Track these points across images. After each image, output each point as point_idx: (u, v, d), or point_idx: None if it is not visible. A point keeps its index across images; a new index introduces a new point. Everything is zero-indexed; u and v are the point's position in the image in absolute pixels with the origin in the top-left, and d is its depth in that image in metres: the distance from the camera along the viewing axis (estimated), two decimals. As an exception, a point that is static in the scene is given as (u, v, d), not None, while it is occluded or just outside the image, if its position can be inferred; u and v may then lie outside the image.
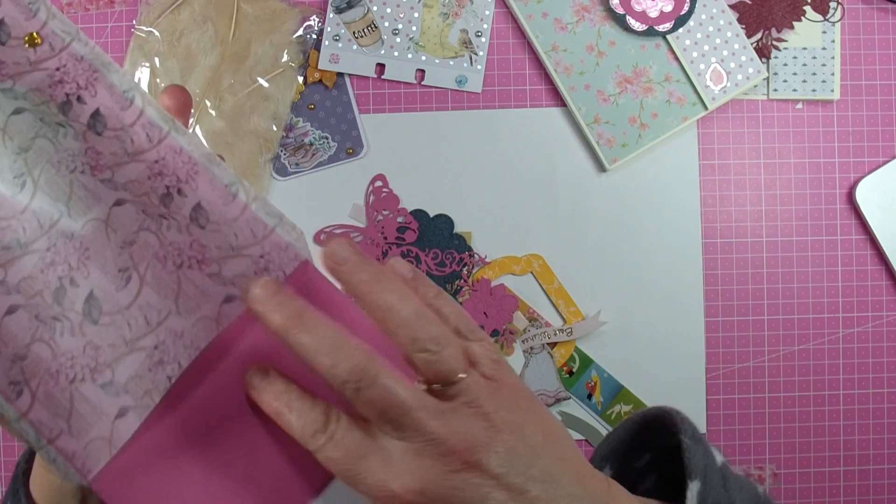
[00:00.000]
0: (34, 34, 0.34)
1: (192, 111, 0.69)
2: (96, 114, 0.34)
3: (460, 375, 0.29)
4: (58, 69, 0.34)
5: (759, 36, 0.70)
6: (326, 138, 0.71)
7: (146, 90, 0.39)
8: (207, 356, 0.33)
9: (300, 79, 0.70)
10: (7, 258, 0.32)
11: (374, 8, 0.70)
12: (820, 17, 0.70)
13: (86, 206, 0.34)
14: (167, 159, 0.34)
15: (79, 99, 0.34)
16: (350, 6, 0.69)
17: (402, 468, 0.28)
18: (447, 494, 0.28)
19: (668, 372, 0.71)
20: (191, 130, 0.67)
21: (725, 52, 0.69)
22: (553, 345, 0.71)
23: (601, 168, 0.71)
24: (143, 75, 0.69)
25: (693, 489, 0.33)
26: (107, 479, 0.31)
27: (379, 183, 0.71)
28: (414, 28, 0.70)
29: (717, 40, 0.69)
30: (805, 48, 0.70)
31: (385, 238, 0.70)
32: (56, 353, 0.31)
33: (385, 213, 0.70)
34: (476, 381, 0.30)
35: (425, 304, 0.30)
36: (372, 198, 0.71)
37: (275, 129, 0.70)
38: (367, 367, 0.28)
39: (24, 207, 0.32)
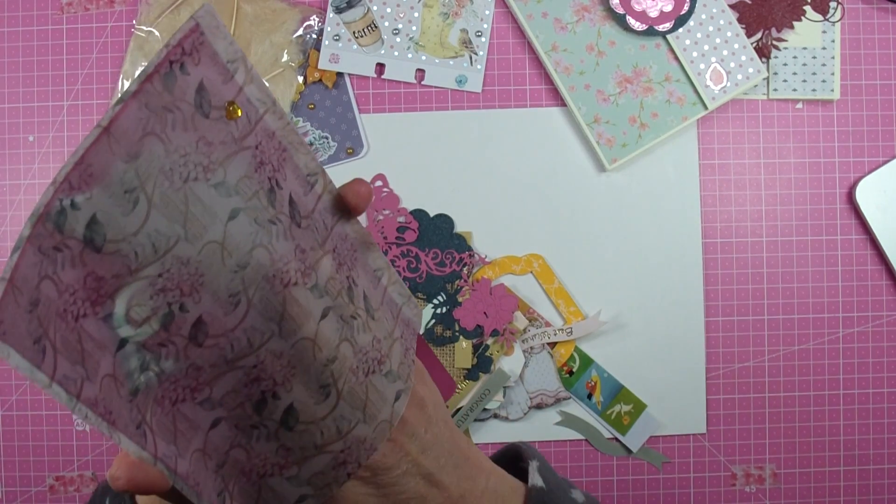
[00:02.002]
0: (234, 103, 0.30)
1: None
2: (291, 202, 0.32)
3: None
4: (257, 147, 0.30)
5: (759, 36, 0.70)
6: (326, 138, 0.71)
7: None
8: None
9: (300, 79, 0.70)
10: (217, 374, 0.30)
11: (374, 8, 0.70)
12: (820, 17, 0.70)
13: (294, 323, 0.31)
14: (340, 249, 0.34)
15: (277, 184, 0.31)
16: (350, 6, 0.69)
17: None
18: (377, 456, 0.35)
19: (668, 372, 0.71)
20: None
21: (725, 52, 0.69)
22: (553, 345, 0.71)
23: (601, 168, 0.71)
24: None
25: (533, 465, 0.41)
26: None
27: (379, 183, 0.71)
28: (414, 28, 0.70)
29: (717, 40, 0.69)
30: (805, 48, 0.70)
31: (385, 238, 0.70)
32: (250, 455, 0.32)
33: (385, 212, 0.70)
34: None
35: None
36: (372, 197, 0.70)
37: (275, 128, 0.70)
38: None
39: (235, 327, 0.30)
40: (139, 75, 0.26)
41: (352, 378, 0.33)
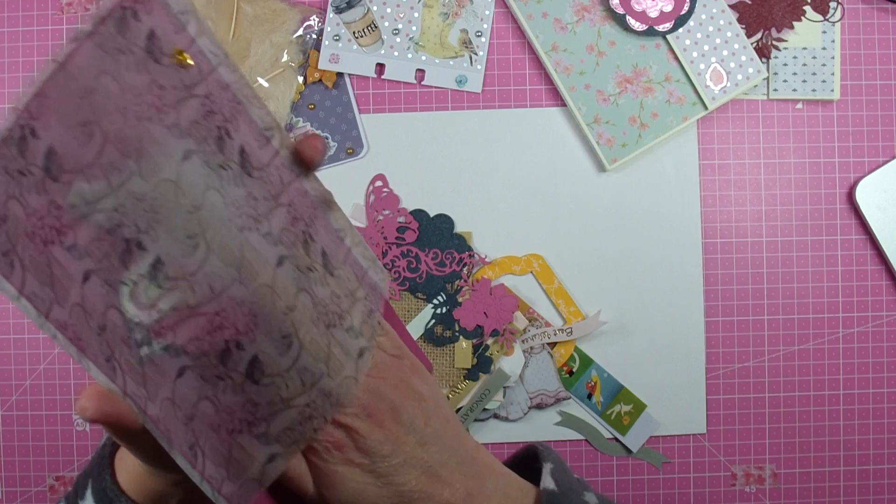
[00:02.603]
0: (182, 52, 0.31)
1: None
2: (243, 152, 0.32)
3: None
4: (207, 97, 0.31)
5: (759, 36, 0.70)
6: (326, 138, 0.71)
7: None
8: None
9: (300, 79, 0.70)
10: (180, 318, 0.30)
11: (374, 8, 0.70)
12: (820, 17, 0.70)
13: (255, 270, 0.32)
14: (296, 202, 0.35)
15: (227, 133, 0.32)
16: (350, 6, 0.69)
17: (343, 424, 0.37)
18: (372, 443, 0.37)
19: (668, 372, 0.71)
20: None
21: (725, 52, 0.69)
22: (553, 345, 0.71)
23: (601, 168, 0.71)
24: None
25: (547, 467, 0.42)
26: None
27: (379, 183, 0.71)
28: (414, 28, 0.70)
29: (717, 40, 0.69)
30: (805, 48, 0.70)
31: (385, 238, 0.70)
32: (218, 409, 0.32)
33: (385, 212, 0.70)
34: (382, 359, 0.39)
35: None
36: (372, 198, 0.71)
37: (275, 128, 0.70)
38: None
39: (195, 272, 0.30)
40: (92, 18, 0.27)
41: (312, 329, 0.34)
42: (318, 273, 0.35)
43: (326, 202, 0.37)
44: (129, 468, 0.41)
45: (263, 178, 0.33)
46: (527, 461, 0.46)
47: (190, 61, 0.31)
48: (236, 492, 0.33)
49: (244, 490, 0.34)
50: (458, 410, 0.69)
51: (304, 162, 0.36)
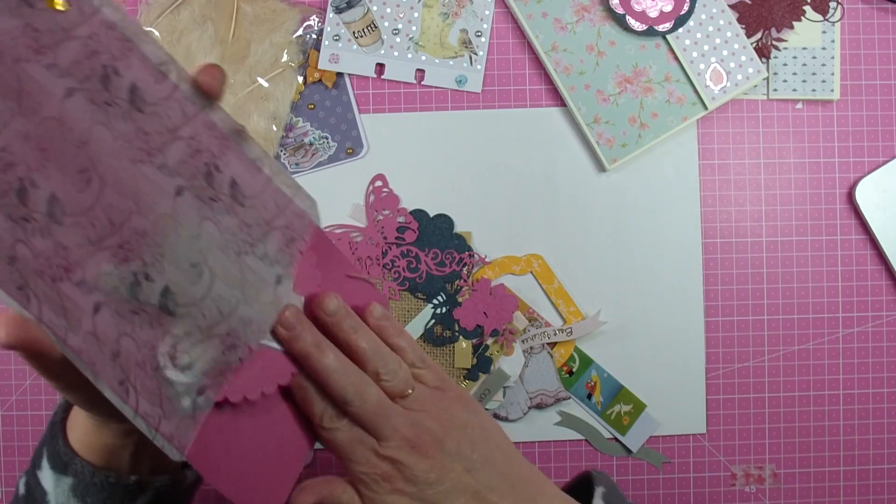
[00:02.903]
0: None
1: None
2: (134, 88, 0.33)
3: (409, 391, 0.42)
4: (90, 37, 0.32)
5: (758, 36, 0.70)
6: (326, 138, 0.71)
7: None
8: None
9: (300, 79, 0.70)
10: (84, 255, 0.31)
11: (374, 8, 0.70)
12: (820, 17, 0.70)
13: (153, 200, 0.33)
14: (201, 136, 0.35)
15: (115, 71, 0.32)
16: (350, 6, 0.69)
17: (387, 457, 0.40)
18: (416, 472, 0.40)
19: (668, 372, 0.71)
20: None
21: (725, 52, 0.69)
22: (553, 345, 0.71)
23: (601, 168, 0.71)
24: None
25: (598, 492, 0.45)
26: (194, 448, 0.35)
27: (379, 183, 0.71)
28: (414, 28, 0.70)
29: (717, 40, 0.69)
30: (805, 48, 0.70)
31: (385, 238, 0.70)
32: (139, 344, 0.33)
33: (385, 212, 0.70)
34: (423, 392, 0.43)
35: (389, 342, 0.43)
36: (372, 198, 0.71)
37: (275, 129, 0.70)
38: (365, 390, 0.40)
39: (92, 205, 0.31)
40: None
41: (222, 256, 0.35)
42: (224, 203, 0.36)
43: (237, 133, 0.37)
44: (79, 428, 0.43)
45: (159, 112, 0.34)
46: (582, 486, 0.49)
47: (60, 7, 0.31)
48: (175, 432, 0.34)
49: (182, 430, 0.34)
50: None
51: (205, 92, 0.36)
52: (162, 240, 0.33)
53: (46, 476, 0.43)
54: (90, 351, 0.30)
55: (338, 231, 0.70)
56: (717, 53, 0.69)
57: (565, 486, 0.50)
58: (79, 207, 0.30)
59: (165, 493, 0.45)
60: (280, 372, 0.39)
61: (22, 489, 0.45)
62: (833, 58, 0.70)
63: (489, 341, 0.70)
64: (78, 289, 0.30)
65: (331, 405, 0.40)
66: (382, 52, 0.70)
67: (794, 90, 0.71)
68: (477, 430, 0.42)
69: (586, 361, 0.71)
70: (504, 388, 0.70)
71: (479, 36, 0.70)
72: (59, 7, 0.31)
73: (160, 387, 0.33)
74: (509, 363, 0.70)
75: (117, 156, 0.31)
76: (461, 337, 0.70)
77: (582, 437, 0.71)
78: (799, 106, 0.72)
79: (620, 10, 0.68)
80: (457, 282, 0.70)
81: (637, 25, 0.68)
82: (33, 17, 0.30)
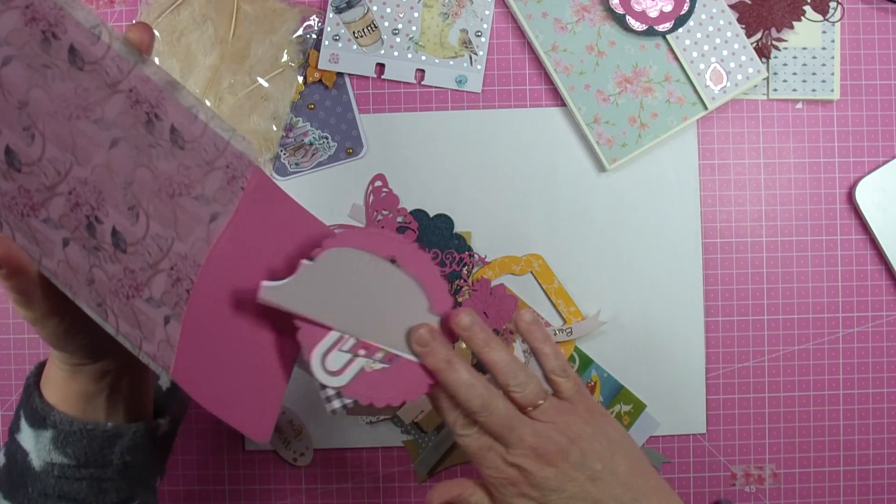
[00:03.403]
0: None
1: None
2: (72, 49, 0.36)
3: (539, 402, 0.46)
4: (27, 7, 0.34)
5: (758, 36, 0.70)
6: (326, 138, 0.71)
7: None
8: (206, 269, 0.42)
9: (300, 79, 0.70)
10: (43, 198, 0.35)
11: (374, 8, 0.70)
12: (820, 17, 0.70)
13: (88, 153, 0.36)
14: (139, 88, 0.39)
15: (54, 35, 0.35)
16: (350, 6, 0.69)
17: (513, 464, 0.45)
18: (539, 480, 0.44)
19: (668, 372, 0.71)
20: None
21: (725, 52, 0.69)
22: (553, 345, 0.71)
23: (601, 168, 0.71)
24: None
25: None
26: (177, 370, 0.39)
27: (378, 183, 0.71)
28: (414, 28, 0.70)
29: (717, 40, 0.69)
30: (805, 48, 0.70)
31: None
32: (108, 276, 0.37)
33: (385, 212, 0.70)
34: (553, 404, 0.46)
35: (533, 346, 0.49)
36: (371, 198, 0.71)
37: (275, 128, 0.70)
38: (491, 403, 0.44)
39: (40, 157, 0.34)
40: None
41: (155, 199, 0.39)
42: (164, 148, 0.40)
43: (171, 83, 0.41)
44: (52, 382, 0.45)
45: (97, 69, 0.37)
46: None
47: None
48: (157, 352, 0.38)
49: (162, 352, 0.39)
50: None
51: (137, 47, 0.39)
52: (101, 186, 0.37)
53: (26, 436, 0.44)
54: (65, 274, 0.35)
55: (338, 231, 0.70)
56: (717, 53, 0.69)
57: None
58: (29, 160, 0.34)
59: (142, 440, 0.46)
60: (418, 382, 0.46)
61: (2, 459, 0.46)
62: (833, 58, 0.70)
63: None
64: (45, 224, 0.34)
65: (463, 414, 0.45)
66: (382, 52, 0.70)
67: (794, 90, 0.71)
68: (604, 442, 0.45)
69: (586, 361, 0.71)
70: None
71: (479, 36, 0.70)
72: None
73: (134, 312, 0.38)
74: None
75: (53, 114, 0.35)
76: (461, 337, 0.70)
77: (582, 437, 0.71)
78: (799, 106, 0.72)
79: (620, 10, 0.68)
80: (457, 282, 0.70)
81: (637, 25, 0.68)
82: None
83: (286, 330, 0.44)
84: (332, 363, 0.43)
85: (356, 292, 0.44)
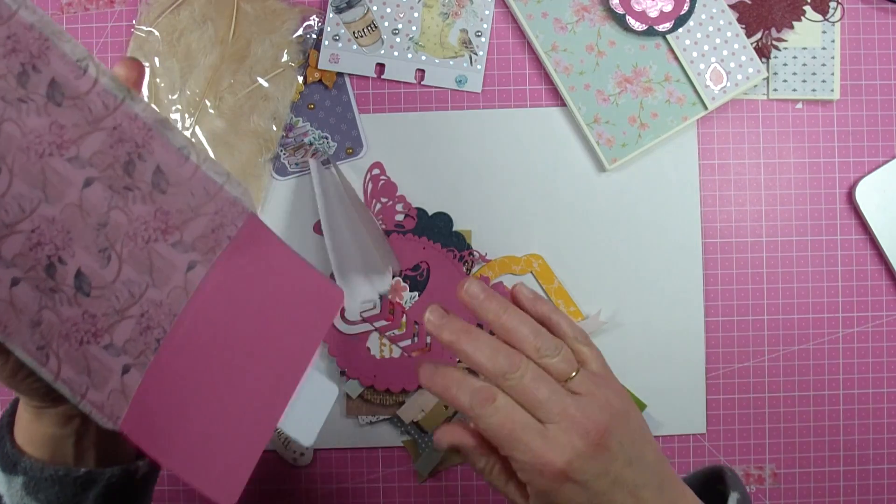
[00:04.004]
0: None
1: (194, 112, 0.69)
2: (52, 83, 0.35)
3: (573, 373, 0.40)
4: (9, 37, 0.33)
5: (758, 36, 0.70)
6: (326, 138, 0.71)
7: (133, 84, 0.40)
8: (184, 318, 0.40)
9: (300, 79, 0.70)
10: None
11: (374, 8, 0.70)
12: (820, 17, 0.70)
13: (59, 191, 0.35)
14: (124, 126, 0.38)
15: (34, 68, 0.34)
16: (350, 6, 0.69)
17: (556, 442, 0.37)
18: (586, 462, 0.37)
19: (668, 372, 0.71)
20: (189, 131, 0.68)
21: (725, 52, 0.69)
22: (553, 345, 0.71)
23: (601, 168, 0.71)
24: (143, 75, 0.69)
25: (733, 498, 0.43)
26: (130, 421, 0.37)
27: (377, 171, 0.71)
28: (414, 28, 0.70)
29: (717, 40, 0.69)
30: (805, 48, 0.70)
31: (384, 226, 0.70)
32: (62, 319, 0.36)
33: (384, 200, 0.70)
34: (587, 376, 0.40)
35: (544, 319, 0.41)
36: (370, 186, 0.70)
37: (275, 128, 0.70)
38: (522, 363, 0.38)
39: (3, 193, 0.34)
40: None
41: (130, 243, 0.37)
42: (142, 191, 0.38)
43: (161, 122, 0.39)
44: (21, 424, 0.43)
45: (78, 105, 0.36)
46: (709, 479, 0.47)
47: None
48: (106, 402, 0.37)
49: (113, 401, 0.37)
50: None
51: (126, 83, 0.38)
52: (71, 226, 0.35)
53: None
54: (4, 314, 0.34)
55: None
56: (717, 53, 0.69)
57: (689, 475, 0.49)
58: None
59: (118, 485, 0.44)
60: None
61: None
62: (833, 58, 0.70)
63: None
64: None
65: (481, 391, 0.38)
66: (382, 52, 0.70)
67: (794, 90, 0.71)
68: (635, 423, 0.41)
69: (586, 361, 0.71)
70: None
71: (479, 36, 0.70)
72: None
73: (87, 359, 0.36)
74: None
75: (25, 150, 0.34)
76: (461, 337, 0.70)
77: (582, 437, 0.71)
78: (799, 106, 0.72)
79: (620, 10, 0.68)
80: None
81: (637, 25, 0.68)
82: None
83: (283, 377, 0.42)
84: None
85: None
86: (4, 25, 0.34)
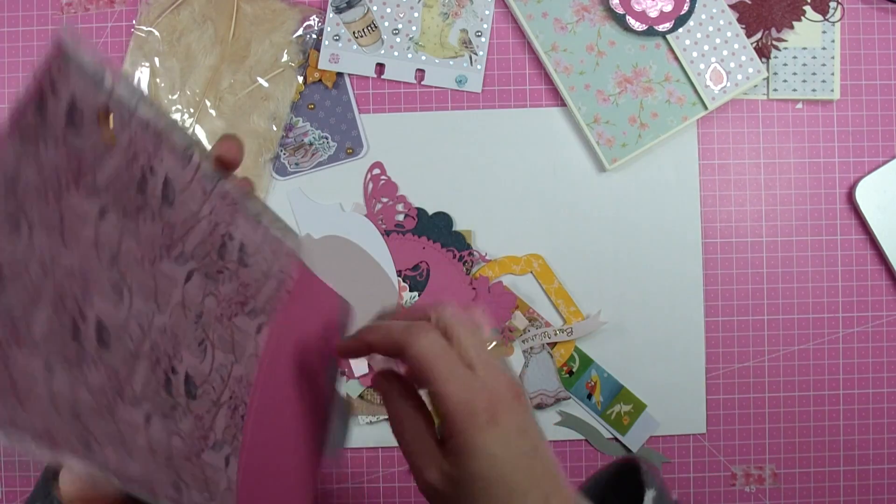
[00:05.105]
0: (106, 113, 0.28)
1: (194, 112, 0.69)
2: (166, 182, 0.32)
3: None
4: (129, 144, 0.30)
5: (759, 36, 0.70)
6: (326, 138, 0.71)
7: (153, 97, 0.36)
8: (257, 384, 0.38)
9: (300, 79, 0.70)
10: (124, 360, 0.30)
11: (374, 8, 0.70)
12: (820, 17, 0.70)
13: (167, 295, 0.32)
14: (218, 208, 0.35)
15: (151, 171, 0.31)
16: (350, 6, 0.69)
17: (483, 382, 0.36)
18: (513, 409, 0.36)
19: (668, 372, 0.71)
20: (189, 131, 0.67)
21: (725, 52, 0.69)
22: (553, 345, 0.71)
23: (601, 168, 0.71)
24: (142, 75, 0.69)
25: (649, 496, 0.42)
26: None
27: (377, 171, 0.71)
28: (414, 28, 0.70)
29: (717, 40, 0.69)
30: (805, 48, 0.70)
31: (384, 226, 0.70)
32: (183, 437, 0.32)
33: (384, 200, 0.70)
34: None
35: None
36: (370, 185, 0.70)
37: (275, 128, 0.70)
38: (433, 311, 0.37)
39: (126, 319, 0.30)
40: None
41: (218, 326, 0.35)
42: (230, 271, 0.36)
43: (245, 193, 0.37)
44: (73, 482, 0.40)
45: (185, 199, 0.33)
46: (626, 472, 0.46)
47: (111, 131, 0.29)
48: None
49: (223, 501, 0.34)
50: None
51: (226, 166, 0.35)
52: (177, 329, 0.32)
53: None
54: (147, 470, 0.29)
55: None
56: (717, 53, 0.69)
57: (603, 469, 0.48)
58: (116, 321, 0.29)
59: None
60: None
61: None
62: (833, 58, 0.70)
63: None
64: (131, 407, 0.29)
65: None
66: (382, 52, 0.70)
67: (794, 90, 0.71)
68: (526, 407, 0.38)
69: (586, 361, 0.71)
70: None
71: (479, 36, 0.70)
72: (111, 140, 0.29)
73: (203, 470, 0.33)
74: (509, 363, 0.70)
75: (141, 262, 0.31)
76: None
77: (582, 437, 0.71)
78: (799, 106, 0.72)
79: (620, 10, 0.68)
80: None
81: (637, 25, 0.68)
82: (78, 143, 0.28)
83: (320, 406, 0.41)
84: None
85: None
86: (126, 129, 0.30)
